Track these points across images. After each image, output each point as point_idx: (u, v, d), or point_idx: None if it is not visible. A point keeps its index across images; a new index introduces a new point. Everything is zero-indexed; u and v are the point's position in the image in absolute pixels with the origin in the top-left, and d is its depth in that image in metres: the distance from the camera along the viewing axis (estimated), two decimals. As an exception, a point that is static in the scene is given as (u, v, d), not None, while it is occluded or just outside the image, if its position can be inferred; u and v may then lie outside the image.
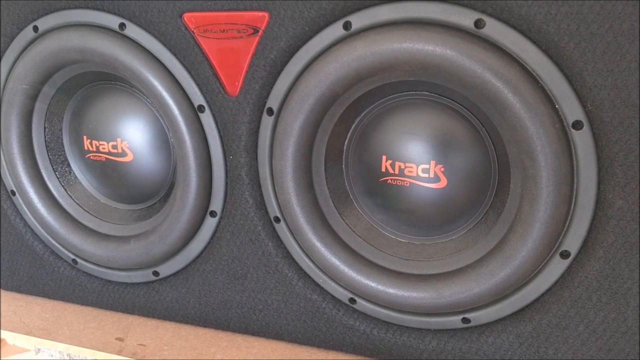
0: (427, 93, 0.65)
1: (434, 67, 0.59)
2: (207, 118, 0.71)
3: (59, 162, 0.86)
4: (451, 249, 0.69)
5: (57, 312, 0.88)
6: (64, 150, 0.86)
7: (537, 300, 0.64)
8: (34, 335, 0.82)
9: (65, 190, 0.86)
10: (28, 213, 0.86)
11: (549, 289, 0.63)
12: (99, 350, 0.78)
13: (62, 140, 0.85)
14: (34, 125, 0.83)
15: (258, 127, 0.69)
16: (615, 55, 0.54)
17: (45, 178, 0.85)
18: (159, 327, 0.83)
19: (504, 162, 0.64)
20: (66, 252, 0.86)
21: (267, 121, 0.69)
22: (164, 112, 0.72)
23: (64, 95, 0.83)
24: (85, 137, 0.83)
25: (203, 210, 0.75)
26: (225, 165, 0.72)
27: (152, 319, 0.85)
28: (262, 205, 0.73)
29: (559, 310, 0.63)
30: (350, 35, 0.63)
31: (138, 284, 0.83)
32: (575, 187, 0.59)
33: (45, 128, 0.84)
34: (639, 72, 0.53)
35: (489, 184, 0.66)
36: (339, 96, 0.65)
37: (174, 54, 0.70)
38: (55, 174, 0.86)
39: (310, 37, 0.64)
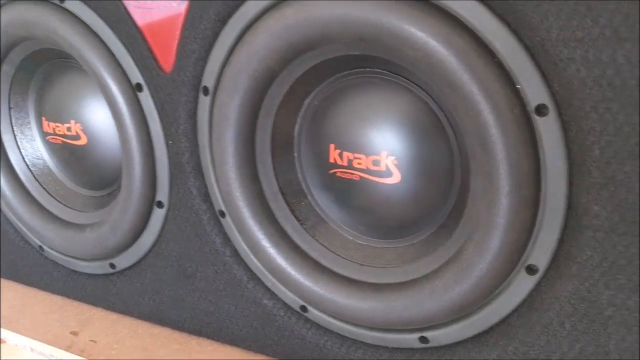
0: (379, 70, 0.55)
1: (371, 38, 0.49)
2: (145, 98, 0.64)
3: (27, 145, 0.82)
4: (410, 255, 0.58)
5: (27, 300, 0.85)
6: (31, 132, 0.81)
7: (502, 322, 0.53)
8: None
9: (33, 174, 0.82)
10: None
11: (515, 310, 0.52)
12: (50, 345, 0.74)
13: (28, 121, 0.81)
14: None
15: (196, 108, 0.62)
16: (584, 20, 0.41)
17: (13, 161, 0.81)
18: (117, 323, 0.77)
19: (467, 155, 0.53)
20: (33, 238, 0.82)
21: (204, 101, 0.61)
22: (104, 91, 0.65)
23: (26, 75, 0.78)
24: (44, 119, 0.78)
25: (150, 200, 0.69)
26: (168, 151, 0.65)
27: (113, 313, 0.79)
28: (206, 197, 0.65)
29: (526, 337, 0.51)
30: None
31: (98, 275, 0.78)
32: (541, 188, 0.47)
33: (10, 109, 0.80)
34: (615, 40, 0.41)
35: (451, 181, 0.55)
36: (277, 73, 0.56)
37: (111, 28, 0.63)
38: (23, 157, 0.82)
39: (241, 3, 0.55)
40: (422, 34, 0.47)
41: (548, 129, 0.45)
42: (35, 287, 0.87)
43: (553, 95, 0.44)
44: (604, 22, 0.41)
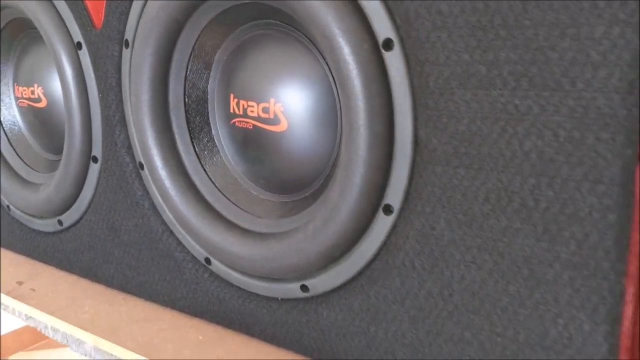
0: (273, 22, 0.58)
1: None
2: (84, 56, 0.69)
3: (5, 112, 0.88)
4: (304, 205, 0.60)
5: (-9, 257, 0.90)
6: (10, 100, 0.88)
7: (367, 267, 0.53)
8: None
9: (9, 140, 0.89)
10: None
11: (377, 254, 0.52)
12: (-7, 290, 0.79)
13: (8, 89, 0.88)
14: (-18, 72, 0.87)
15: (121, 62, 0.66)
16: (413, -50, 0.43)
17: (-7, 127, 0.89)
18: (62, 278, 0.81)
19: (345, 102, 0.54)
20: (3, 198, 0.88)
21: (125, 54, 0.65)
22: (51, 51, 0.71)
23: (5, 46, 0.85)
24: (15, 85, 0.85)
25: (87, 155, 0.73)
26: (100, 105, 0.70)
27: (63, 271, 0.84)
28: (129, 149, 0.69)
29: (385, 279, 0.51)
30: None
31: (49, 233, 0.83)
32: (393, 124, 0.48)
33: (-4, 76, 0.88)
34: (440, -30, 0.42)
35: (335, 130, 0.56)
36: (182, 23, 0.60)
37: (58, -10, 0.70)
38: (1, 124, 0.88)
39: (152, -40, 0.60)
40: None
41: (394, 63, 0.47)
42: (4, 247, 0.92)
43: (397, 28, 0.46)
44: (430, -48, 0.43)
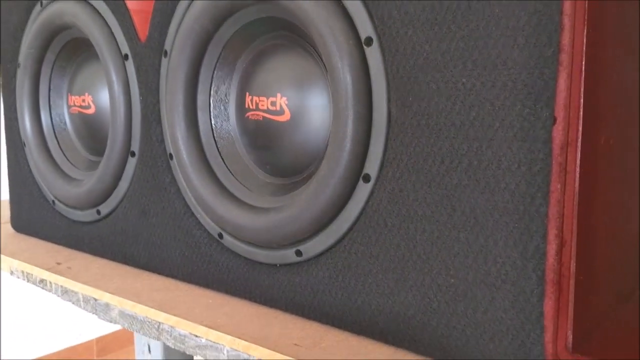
0: (284, 33, 0.71)
1: (263, -4, 0.65)
2: (129, 66, 0.83)
3: (57, 119, 1.02)
4: (302, 184, 0.70)
5: (34, 244, 1.02)
6: (62, 109, 1.03)
7: (350, 229, 0.63)
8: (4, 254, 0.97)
9: (58, 142, 1.02)
10: (31, 163, 1.03)
11: (358, 217, 0.62)
12: (35, 266, 0.90)
13: (63, 100, 1.03)
14: (40, 86, 1.01)
15: (160, 69, 0.79)
16: (388, -35, 0.55)
17: (45, 132, 1.02)
18: (97, 261, 0.92)
19: (338, 95, 0.66)
20: (48, 193, 1.01)
21: (164, 62, 0.78)
22: (103, 62, 0.85)
23: (63, 62, 1.00)
24: (69, 95, 0.99)
25: (126, 150, 0.86)
26: (140, 106, 0.83)
27: (98, 256, 0.95)
28: (162, 142, 0.81)
29: (363, 239, 0.61)
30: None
31: (89, 222, 0.95)
32: (372, 106, 0.59)
33: (50, 90, 1.02)
34: (407, -20, 0.54)
35: (330, 118, 0.67)
36: (212, 33, 0.73)
37: (112, 12, 0.84)
38: (53, 128, 1.02)
39: (191, -17, 0.74)
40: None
41: (373, 56, 0.58)
42: (48, 240, 1.04)
43: (375, 27, 0.58)
44: (401, -33, 0.55)
